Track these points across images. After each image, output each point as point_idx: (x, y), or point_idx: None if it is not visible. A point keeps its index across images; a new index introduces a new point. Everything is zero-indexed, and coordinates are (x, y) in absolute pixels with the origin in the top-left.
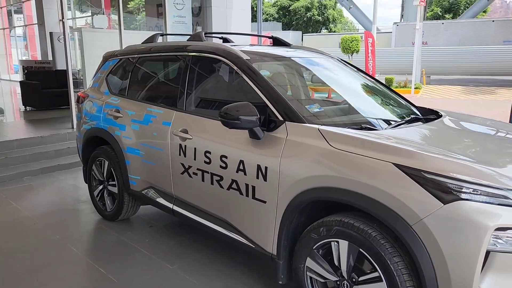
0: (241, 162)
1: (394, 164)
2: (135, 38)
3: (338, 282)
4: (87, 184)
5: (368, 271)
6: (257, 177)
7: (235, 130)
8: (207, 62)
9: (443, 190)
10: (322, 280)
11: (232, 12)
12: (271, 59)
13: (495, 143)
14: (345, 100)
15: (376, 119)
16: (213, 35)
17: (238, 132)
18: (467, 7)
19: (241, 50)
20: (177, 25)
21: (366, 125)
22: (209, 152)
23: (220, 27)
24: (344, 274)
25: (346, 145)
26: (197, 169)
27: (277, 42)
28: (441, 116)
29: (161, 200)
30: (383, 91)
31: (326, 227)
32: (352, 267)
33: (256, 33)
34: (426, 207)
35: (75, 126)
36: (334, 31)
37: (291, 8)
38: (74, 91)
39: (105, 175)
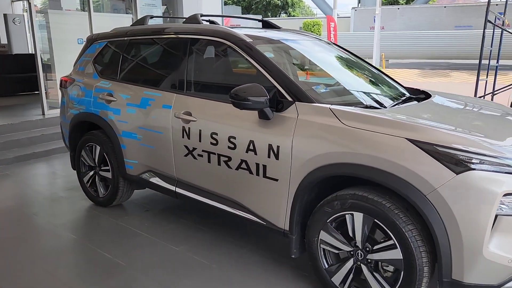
0: (251, 142)
1: (408, 139)
2: (105, 21)
3: (351, 252)
4: (75, 171)
5: (382, 240)
6: (269, 156)
7: (242, 111)
8: (209, 45)
9: (455, 162)
10: (336, 251)
11: None
12: (271, 41)
13: (487, 118)
14: (340, 82)
15: (377, 98)
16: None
17: (246, 113)
18: None
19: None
20: (147, 8)
21: (370, 104)
22: (216, 134)
23: (191, 10)
24: (359, 244)
25: (358, 122)
26: (203, 150)
27: (266, 25)
28: (430, 95)
29: (161, 183)
30: (376, 73)
31: (341, 201)
32: (366, 237)
33: (245, 16)
34: (440, 178)
35: (45, 112)
36: (293, 16)
37: None
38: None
39: (96, 160)
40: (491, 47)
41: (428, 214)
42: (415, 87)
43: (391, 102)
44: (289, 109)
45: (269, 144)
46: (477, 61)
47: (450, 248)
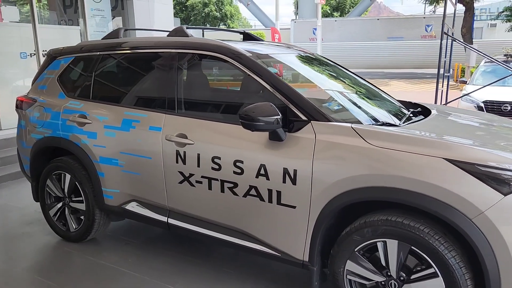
0: (262, 166)
1: (446, 159)
2: (51, 33)
3: (383, 283)
4: (37, 202)
5: (419, 268)
6: (284, 181)
7: (249, 132)
8: (203, 60)
9: (500, 182)
10: (365, 282)
11: (154, 5)
12: (269, 56)
13: (502, 132)
14: (345, 98)
15: (388, 115)
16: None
17: (254, 134)
18: (352, 7)
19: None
20: (96, 19)
21: (383, 121)
22: (218, 158)
23: (143, 21)
24: (393, 274)
25: (386, 142)
26: (202, 176)
27: (248, 37)
28: (427, 108)
29: (149, 214)
30: (372, 88)
31: (372, 227)
32: (401, 266)
33: (228, 29)
34: (486, 200)
35: None
36: (232, 27)
37: (188, 3)
38: None
39: (66, 190)
40: (445, 57)
41: (474, 239)
42: (406, 100)
43: (399, 118)
44: (304, 129)
45: (284, 168)
46: (409, 70)
47: (499, 273)
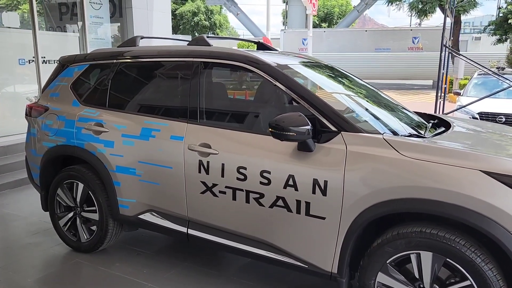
0: (291, 177)
1: (482, 171)
2: (51, 40)
3: None
4: (41, 212)
5: (453, 281)
6: (313, 192)
7: (277, 142)
8: (226, 69)
9: None
10: None
11: (153, 14)
12: (290, 67)
13: None
14: (369, 110)
15: (413, 126)
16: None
17: (281, 144)
18: (340, 18)
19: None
20: (95, 27)
21: (411, 133)
22: (244, 168)
23: (142, 29)
24: (426, 286)
25: (421, 154)
26: (226, 187)
27: (262, 47)
28: (445, 120)
29: (167, 224)
30: (389, 99)
31: (405, 239)
32: (435, 278)
33: (245, 39)
34: None
35: None
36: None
37: (177, 12)
38: None
39: (78, 200)
40: (443, 69)
41: None
42: (421, 112)
43: (421, 129)
44: (334, 139)
45: (314, 179)
46: (396, 81)
47: None
